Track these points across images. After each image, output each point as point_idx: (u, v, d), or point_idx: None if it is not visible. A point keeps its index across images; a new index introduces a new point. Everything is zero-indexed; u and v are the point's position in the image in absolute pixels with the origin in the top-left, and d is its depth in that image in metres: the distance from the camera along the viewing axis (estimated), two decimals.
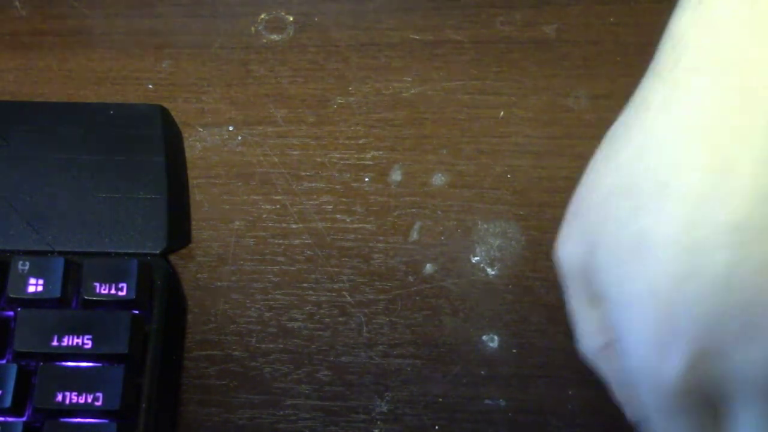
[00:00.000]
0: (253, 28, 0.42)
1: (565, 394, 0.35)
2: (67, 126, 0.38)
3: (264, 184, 0.39)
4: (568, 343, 0.36)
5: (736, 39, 0.25)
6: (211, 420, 0.35)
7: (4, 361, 0.33)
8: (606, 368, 0.29)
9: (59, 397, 0.32)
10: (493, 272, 0.37)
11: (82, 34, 0.42)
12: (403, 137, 0.39)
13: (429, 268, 0.37)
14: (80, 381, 0.32)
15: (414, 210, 0.38)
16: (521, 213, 0.38)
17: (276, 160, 0.39)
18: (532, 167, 0.39)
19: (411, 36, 0.41)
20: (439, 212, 0.38)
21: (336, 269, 0.37)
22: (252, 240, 0.38)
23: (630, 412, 0.29)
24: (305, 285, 0.37)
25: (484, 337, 0.36)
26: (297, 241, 0.38)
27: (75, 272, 0.35)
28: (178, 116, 0.40)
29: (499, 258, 0.37)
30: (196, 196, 0.38)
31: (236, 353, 0.36)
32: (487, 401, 0.35)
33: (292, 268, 0.37)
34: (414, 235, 0.38)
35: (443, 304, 0.37)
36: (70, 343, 0.33)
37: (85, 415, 0.32)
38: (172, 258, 0.37)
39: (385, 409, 0.35)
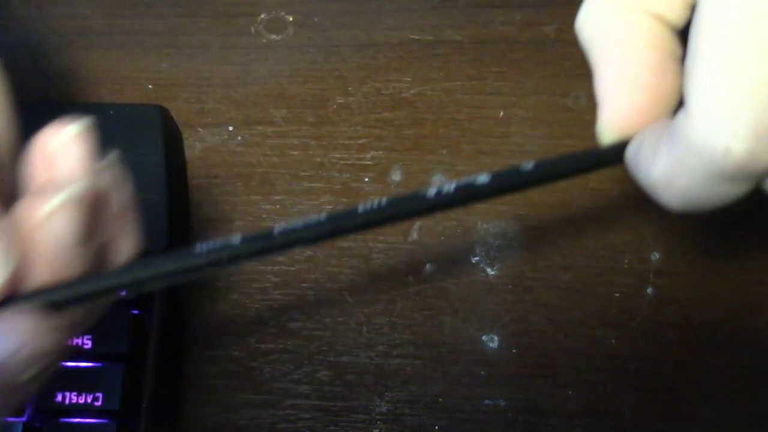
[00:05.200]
0: (253, 28, 0.42)
1: (565, 394, 0.35)
2: None
3: (264, 184, 0.39)
4: (568, 343, 0.36)
5: None
6: (211, 420, 0.35)
7: None
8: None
9: (59, 397, 0.32)
10: (493, 272, 0.37)
11: (82, 34, 0.42)
12: (403, 137, 0.39)
13: (429, 268, 0.37)
14: (80, 381, 0.32)
15: None
16: (521, 213, 0.38)
17: (276, 160, 0.39)
18: None
19: (411, 36, 0.41)
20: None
21: (336, 269, 0.37)
22: None
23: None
24: (305, 285, 0.37)
25: (484, 337, 0.36)
26: None
27: None
28: (178, 116, 0.40)
29: (499, 258, 0.37)
30: (195, 196, 0.38)
31: (236, 353, 0.36)
32: (487, 401, 0.35)
33: (293, 268, 0.37)
34: (414, 235, 0.38)
35: (443, 304, 0.37)
36: (69, 342, 0.33)
37: (85, 415, 0.32)
38: None
39: (385, 409, 0.35)
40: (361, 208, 0.24)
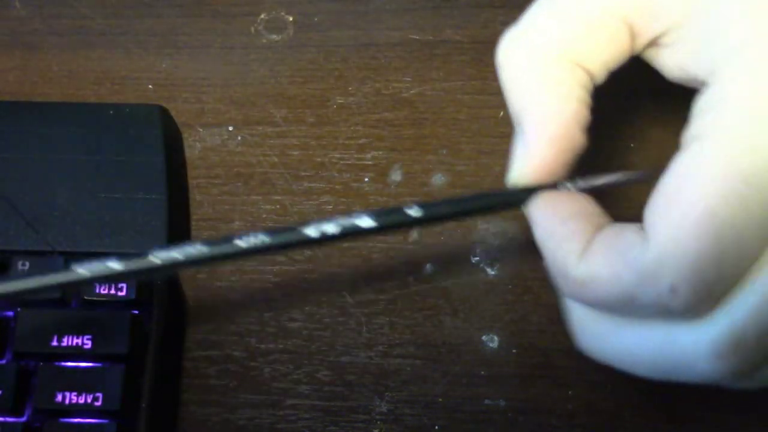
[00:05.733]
0: (253, 28, 0.42)
1: (565, 394, 0.35)
2: (67, 126, 0.38)
3: (264, 184, 0.39)
4: (568, 343, 0.36)
5: None
6: (211, 420, 0.35)
7: (4, 361, 0.33)
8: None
9: (59, 397, 0.32)
10: (493, 272, 0.37)
11: (82, 34, 0.42)
12: (403, 137, 0.39)
13: (429, 268, 0.37)
14: (80, 381, 0.32)
15: None
16: (521, 213, 0.38)
17: (276, 160, 0.39)
18: None
19: (411, 36, 0.41)
20: None
21: (336, 269, 0.37)
22: None
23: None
24: (305, 285, 0.37)
25: (484, 337, 0.36)
26: None
27: None
28: (178, 116, 0.40)
29: (499, 258, 0.37)
30: (196, 196, 0.38)
31: (236, 353, 0.36)
32: (487, 401, 0.35)
33: (293, 268, 0.37)
34: (414, 235, 0.38)
35: (443, 304, 0.37)
36: (69, 343, 0.33)
37: (85, 415, 0.32)
38: None
39: (385, 409, 0.35)
40: (239, 239, 0.26)
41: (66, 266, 0.27)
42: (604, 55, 0.28)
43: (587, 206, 0.27)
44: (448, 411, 0.35)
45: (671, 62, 0.28)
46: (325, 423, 0.35)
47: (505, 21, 0.42)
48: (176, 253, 0.26)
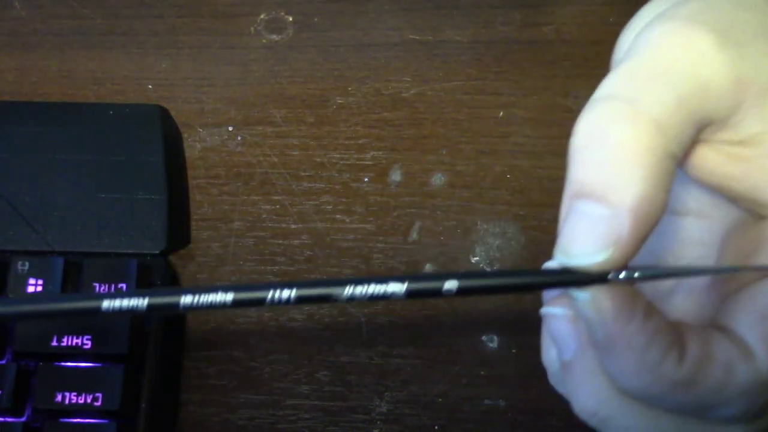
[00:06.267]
0: (252, 28, 0.42)
1: None
2: (67, 126, 0.38)
3: (264, 184, 0.39)
4: None
5: None
6: (211, 420, 0.35)
7: (4, 361, 0.33)
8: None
9: (59, 398, 0.32)
10: None
11: (82, 34, 0.42)
12: (403, 137, 0.39)
13: (429, 268, 0.37)
14: (80, 381, 0.32)
15: (413, 210, 0.38)
16: (521, 213, 0.38)
17: (276, 160, 0.39)
18: (532, 167, 0.39)
19: (411, 36, 0.41)
20: (439, 212, 0.38)
21: (336, 269, 0.37)
22: (252, 240, 0.38)
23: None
24: None
25: (484, 337, 0.36)
26: (297, 241, 0.38)
27: (74, 272, 0.35)
28: (178, 116, 0.40)
29: (498, 258, 0.37)
30: (195, 196, 0.38)
31: (236, 353, 0.36)
32: (486, 401, 0.35)
33: (292, 268, 0.37)
34: (414, 235, 0.38)
35: (443, 304, 0.37)
36: (69, 343, 0.33)
37: (85, 415, 0.32)
38: (172, 258, 0.37)
39: (384, 409, 0.35)
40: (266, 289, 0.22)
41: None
42: (687, 146, 0.24)
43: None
44: (448, 411, 0.35)
45: (734, 174, 0.25)
46: (325, 423, 0.35)
47: (505, 21, 0.42)
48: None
